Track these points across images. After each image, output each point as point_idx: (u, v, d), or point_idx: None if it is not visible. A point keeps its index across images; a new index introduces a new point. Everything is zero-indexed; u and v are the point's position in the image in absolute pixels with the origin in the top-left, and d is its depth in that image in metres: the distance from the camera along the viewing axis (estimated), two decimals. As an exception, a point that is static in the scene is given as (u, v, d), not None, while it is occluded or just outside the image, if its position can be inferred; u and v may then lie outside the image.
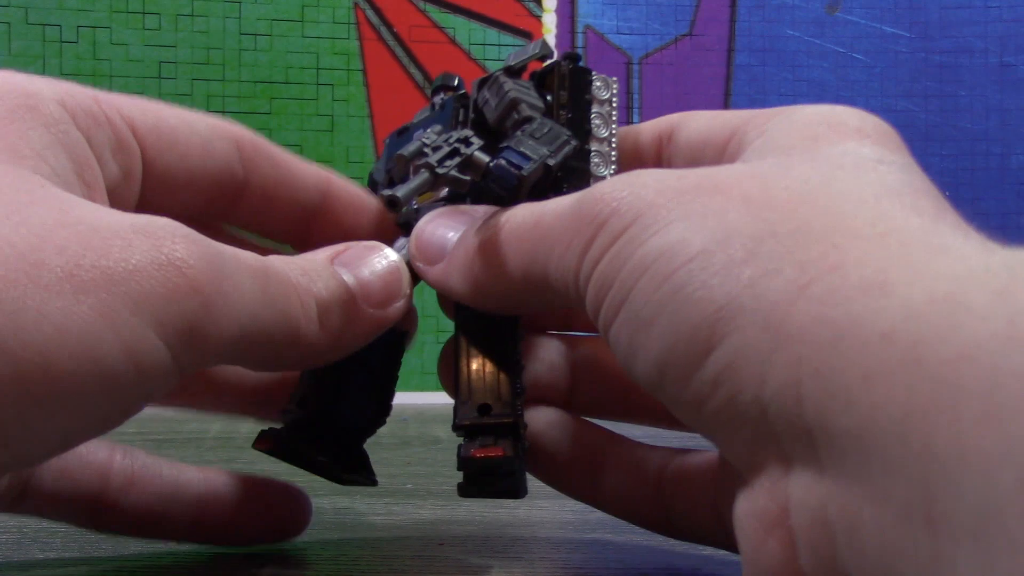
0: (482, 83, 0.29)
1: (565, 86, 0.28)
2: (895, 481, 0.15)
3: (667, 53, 0.96)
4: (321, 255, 0.26)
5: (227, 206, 0.28)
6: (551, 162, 0.26)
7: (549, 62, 0.29)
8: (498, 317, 0.27)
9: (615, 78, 0.29)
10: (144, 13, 0.88)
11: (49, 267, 0.19)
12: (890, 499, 0.15)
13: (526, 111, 0.27)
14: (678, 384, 0.20)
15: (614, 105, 0.29)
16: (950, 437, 0.14)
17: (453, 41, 0.90)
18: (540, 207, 0.24)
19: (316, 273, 0.25)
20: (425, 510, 0.36)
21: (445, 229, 0.27)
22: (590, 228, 0.22)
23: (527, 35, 0.94)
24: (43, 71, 0.87)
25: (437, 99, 0.31)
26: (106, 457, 0.29)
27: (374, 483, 0.30)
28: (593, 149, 0.28)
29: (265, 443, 0.28)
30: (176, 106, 0.27)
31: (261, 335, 0.23)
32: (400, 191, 0.23)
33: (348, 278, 0.25)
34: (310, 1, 0.91)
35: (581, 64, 0.29)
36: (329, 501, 0.37)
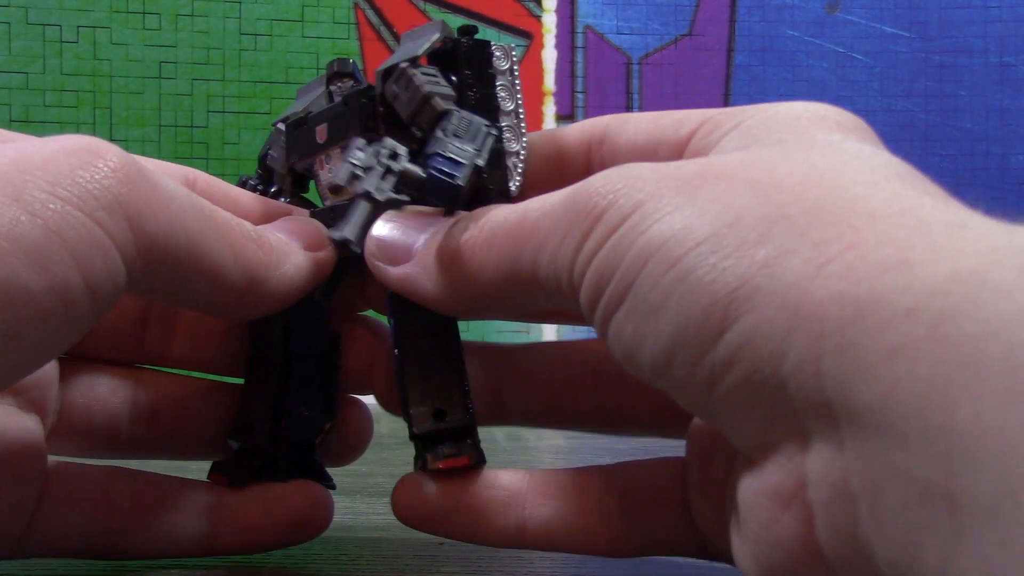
0: (386, 74, 0.28)
1: (469, 64, 0.28)
2: (915, 456, 0.15)
3: (667, 53, 0.96)
4: (267, 226, 0.27)
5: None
6: (480, 162, 0.25)
7: (448, 41, 0.28)
8: (438, 318, 0.27)
9: (512, 45, 0.29)
10: (144, 13, 0.88)
11: None
12: (910, 473, 0.15)
13: (441, 105, 0.26)
14: (688, 367, 0.19)
15: (516, 74, 0.28)
16: (971, 414, 0.14)
17: (453, 41, 0.90)
18: (522, 206, 0.24)
19: (241, 219, 0.26)
20: (425, 510, 0.36)
21: (410, 230, 0.26)
22: (586, 221, 0.22)
23: (527, 35, 0.94)
24: (43, 71, 0.87)
25: (334, 87, 0.30)
26: (107, 483, 0.28)
27: (332, 487, 0.30)
28: (503, 124, 0.28)
29: (220, 477, 0.28)
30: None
31: (200, 242, 0.23)
32: (348, 231, 0.23)
33: (283, 235, 0.27)
34: (310, 1, 0.91)
35: (478, 37, 0.28)
36: (329, 501, 0.37)
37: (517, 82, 0.28)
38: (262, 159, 0.32)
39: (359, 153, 0.25)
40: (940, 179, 0.21)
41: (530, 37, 0.95)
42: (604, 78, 0.94)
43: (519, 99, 0.28)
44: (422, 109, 0.27)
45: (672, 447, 0.28)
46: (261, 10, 0.90)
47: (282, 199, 0.31)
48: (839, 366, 0.17)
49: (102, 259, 0.20)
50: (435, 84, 0.27)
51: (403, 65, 0.27)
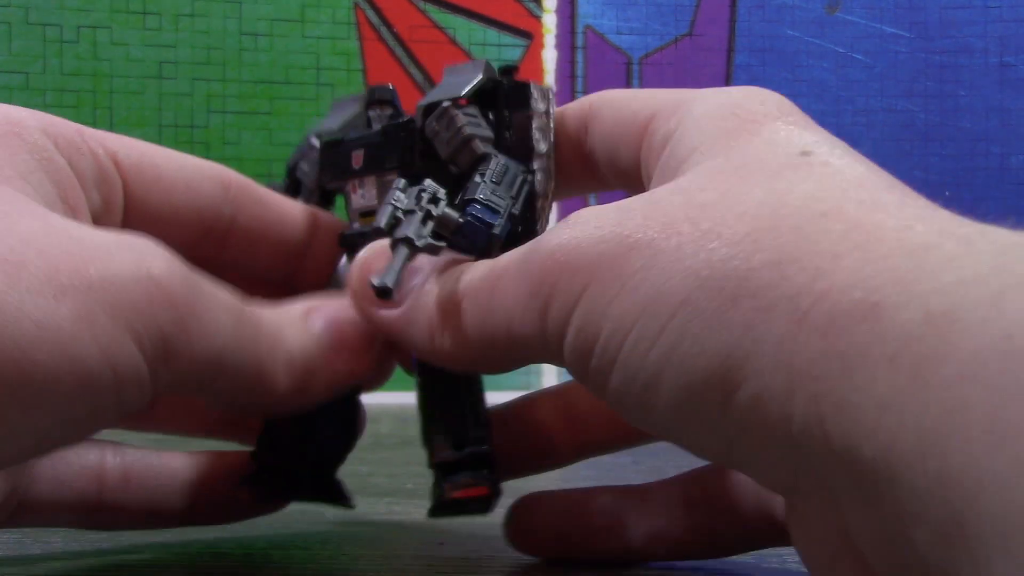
0: (428, 111, 0.28)
1: (508, 105, 0.28)
2: (926, 502, 0.15)
3: (667, 53, 0.96)
4: (296, 308, 0.26)
5: (213, 246, 0.28)
6: (516, 211, 0.26)
7: (490, 81, 0.28)
8: None
9: (550, 86, 0.29)
10: (144, 13, 0.88)
11: (30, 270, 0.19)
12: (926, 521, 0.15)
13: (480, 148, 0.27)
14: (701, 434, 0.19)
15: (551, 116, 0.28)
16: (963, 460, 0.14)
17: (453, 41, 0.90)
18: (494, 264, 0.24)
19: (289, 324, 0.25)
20: (425, 510, 0.36)
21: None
22: (543, 288, 0.21)
23: (527, 35, 0.94)
24: (43, 71, 0.87)
25: (373, 113, 0.31)
26: (97, 458, 0.29)
27: (351, 507, 0.30)
28: (535, 167, 0.28)
29: (245, 492, 0.29)
30: (164, 147, 0.27)
31: (230, 368, 0.23)
32: (389, 279, 0.23)
33: (319, 326, 0.26)
34: (310, 1, 0.91)
35: (516, 77, 0.29)
36: (329, 501, 0.37)
37: (551, 124, 0.28)
38: (291, 170, 0.32)
39: (400, 195, 0.25)
40: (940, 179, 0.21)
41: (530, 37, 0.95)
42: (604, 78, 0.94)
43: (551, 140, 0.28)
44: (462, 150, 0.27)
45: None
46: (261, 10, 0.90)
47: None
48: (840, 424, 0.17)
49: (137, 387, 0.21)
50: (476, 126, 0.27)
51: (446, 104, 0.27)
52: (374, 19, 0.92)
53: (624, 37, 0.95)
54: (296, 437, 0.29)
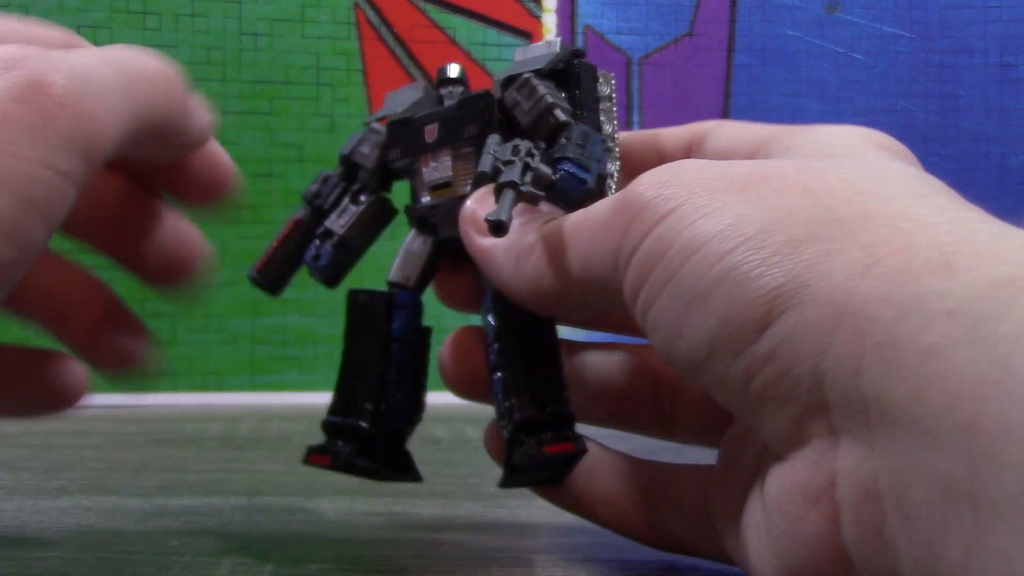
0: (507, 83, 0.29)
1: (580, 85, 0.29)
2: (941, 454, 0.16)
3: (667, 53, 0.96)
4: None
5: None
6: (604, 172, 0.27)
7: (562, 60, 0.29)
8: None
9: (613, 73, 0.30)
10: (144, 13, 0.88)
11: None
12: (936, 472, 0.16)
13: (562, 116, 0.28)
14: (728, 359, 0.20)
15: (614, 100, 0.29)
16: (997, 411, 0.15)
17: (453, 41, 0.90)
18: (587, 210, 0.25)
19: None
20: (425, 510, 0.36)
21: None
22: (627, 213, 0.22)
23: (527, 35, 0.94)
24: (43, 71, 0.87)
25: (444, 91, 0.32)
26: None
27: (419, 479, 0.30)
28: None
29: (322, 459, 0.29)
30: None
31: (142, 120, 0.23)
32: (503, 214, 0.24)
33: None
34: (310, 1, 0.91)
35: (586, 60, 0.29)
36: (329, 501, 0.37)
37: (615, 108, 0.29)
38: (345, 157, 0.33)
39: (498, 148, 0.26)
40: (940, 179, 0.21)
41: (530, 37, 0.95)
42: (604, 78, 0.94)
43: (615, 124, 0.29)
44: (544, 118, 0.28)
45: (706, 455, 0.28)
46: (261, 10, 0.90)
47: (362, 197, 0.32)
48: (878, 363, 0.17)
49: (62, 200, 0.21)
50: (557, 97, 0.28)
51: (527, 75, 0.28)
52: (374, 19, 0.92)
53: (624, 37, 0.95)
54: (373, 396, 0.29)
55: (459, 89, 0.32)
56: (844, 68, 0.95)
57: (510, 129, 0.28)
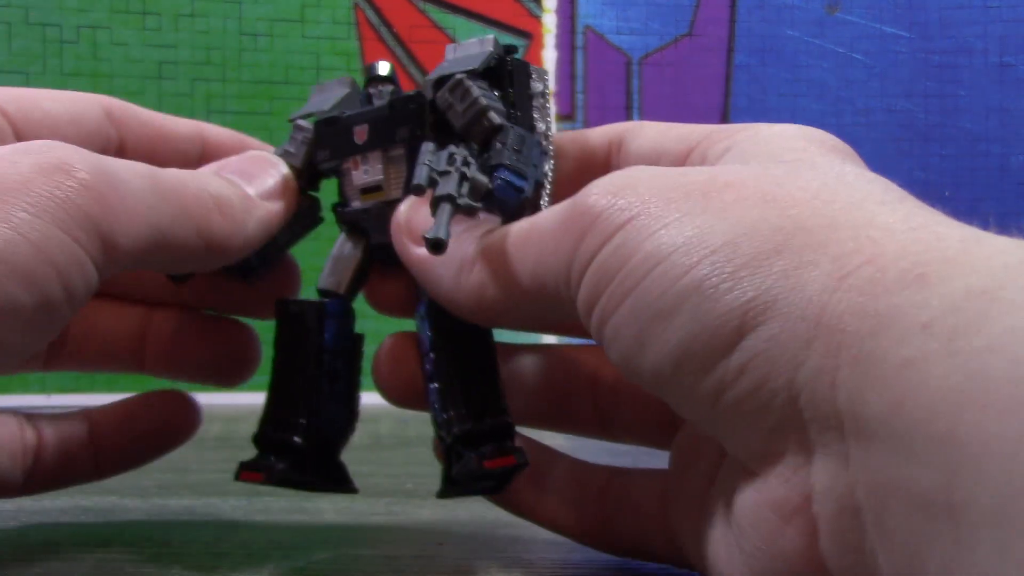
0: (439, 84, 0.28)
1: (512, 83, 0.28)
2: (919, 467, 0.15)
3: (667, 53, 0.96)
4: (205, 168, 0.28)
5: None
6: (540, 178, 0.26)
7: (496, 57, 0.29)
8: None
9: (546, 69, 0.29)
10: (144, 13, 0.88)
11: None
12: (914, 485, 0.15)
13: (497, 120, 0.27)
14: (697, 374, 0.19)
15: (548, 97, 0.29)
16: (974, 423, 0.15)
17: (453, 41, 0.90)
18: (533, 217, 0.24)
19: (204, 176, 0.27)
20: (425, 510, 0.36)
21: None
22: (580, 224, 0.22)
23: (527, 35, 0.94)
24: (43, 71, 0.87)
25: (374, 90, 0.31)
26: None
27: (355, 491, 0.30)
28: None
29: (254, 475, 0.28)
30: (45, 89, 0.29)
31: (166, 231, 0.24)
32: (441, 232, 0.24)
33: (235, 178, 0.27)
34: (310, 1, 0.91)
35: (518, 56, 0.29)
36: (329, 501, 0.37)
37: (548, 105, 0.29)
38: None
39: (432, 158, 0.26)
40: (940, 179, 0.21)
41: (530, 37, 0.95)
42: (604, 78, 0.94)
43: (550, 121, 0.28)
44: (478, 121, 0.27)
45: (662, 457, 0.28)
46: (261, 10, 0.90)
47: None
48: (854, 377, 0.17)
49: (79, 271, 0.22)
50: (490, 98, 0.27)
51: (460, 76, 0.28)
52: (374, 19, 0.92)
53: (624, 37, 0.95)
54: (305, 410, 0.28)
55: (389, 88, 0.31)
56: (844, 68, 0.95)
57: (443, 131, 0.28)
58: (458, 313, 0.26)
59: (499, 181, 0.25)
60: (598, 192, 0.22)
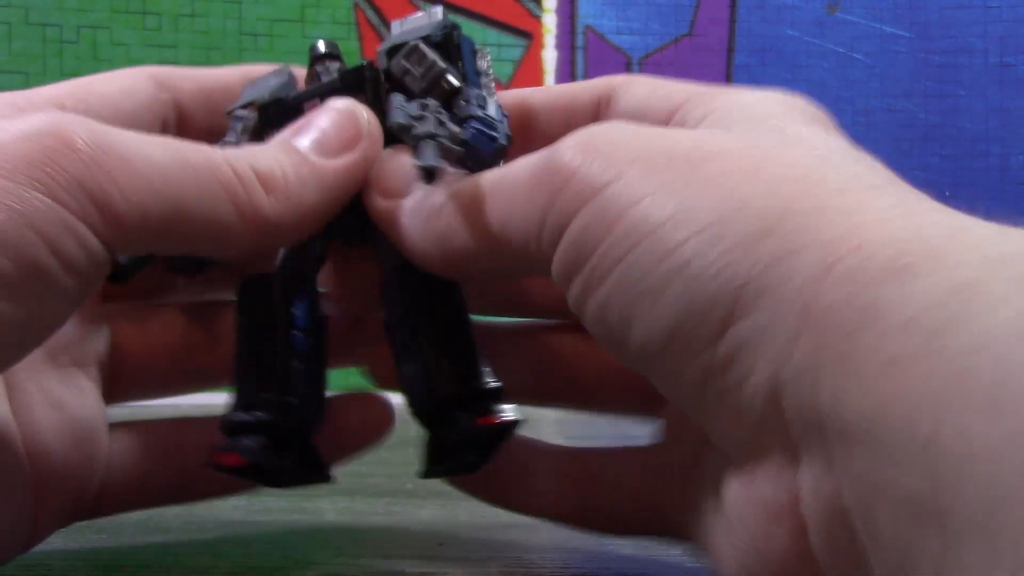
0: (392, 52, 0.28)
1: (462, 56, 0.28)
2: (904, 471, 0.15)
3: (667, 53, 0.96)
4: (280, 135, 0.26)
5: (181, 132, 0.29)
6: (509, 131, 0.26)
7: (445, 28, 0.28)
8: (444, 290, 0.26)
9: (488, 50, 0.29)
10: (144, 13, 0.88)
11: None
12: (900, 490, 0.15)
13: (455, 81, 0.27)
14: (683, 359, 0.19)
15: (491, 76, 0.28)
16: (957, 427, 0.14)
17: (453, 41, 0.90)
18: (508, 166, 0.23)
19: (259, 150, 0.25)
20: (425, 510, 0.36)
21: (410, 170, 0.25)
22: (552, 181, 0.21)
23: (527, 35, 0.94)
24: (43, 71, 0.87)
25: (321, 68, 0.30)
26: (172, 433, 0.29)
27: (328, 480, 0.28)
28: None
29: (230, 457, 0.26)
30: (93, 76, 0.28)
31: (190, 206, 0.22)
32: (432, 160, 0.23)
33: (302, 143, 0.25)
34: (310, 1, 0.91)
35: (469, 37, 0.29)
36: (329, 501, 0.37)
37: (492, 85, 0.28)
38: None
39: (406, 106, 0.25)
40: (940, 179, 0.21)
41: (530, 37, 0.95)
42: (604, 78, 0.94)
43: (495, 100, 0.28)
44: (437, 84, 0.27)
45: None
46: (261, 10, 0.90)
47: None
48: (836, 375, 0.16)
49: (72, 236, 0.21)
50: (446, 62, 0.27)
51: (415, 42, 0.27)
52: (374, 19, 0.92)
53: (624, 37, 0.95)
54: (279, 389, 0.26)
55: (335, 64, 0.30)
56: (844, 68, 0.95)
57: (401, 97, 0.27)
58: (425, 263, 0.25)
59: (472, 131, 0.25)
60: (573, 147, 0.21)
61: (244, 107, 0.29)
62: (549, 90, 0.29)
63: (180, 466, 0.28)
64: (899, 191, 0.19)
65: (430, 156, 0.23)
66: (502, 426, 0.25)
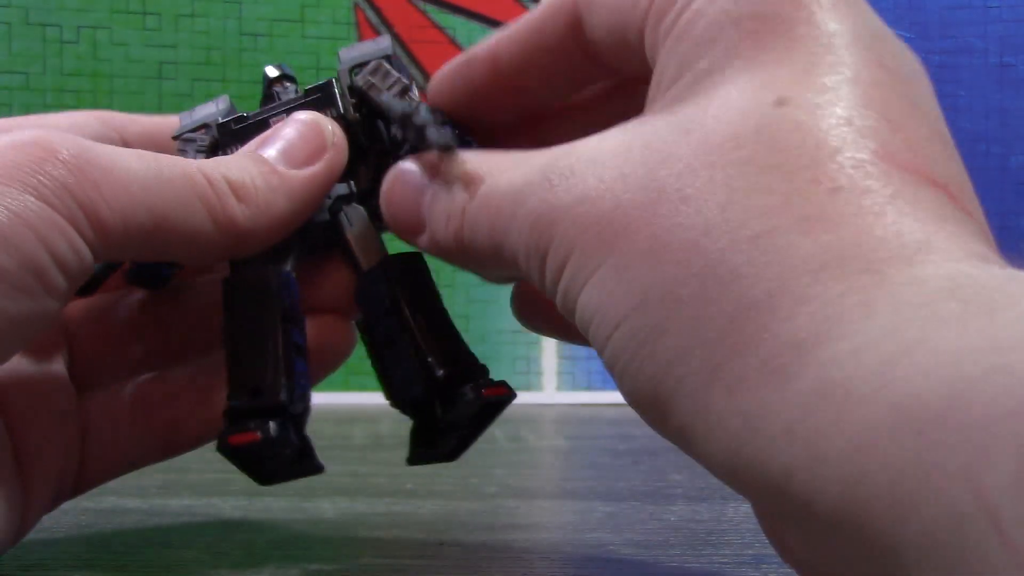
0: (356, 68, 0.29)
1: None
2: (848, 540, 0.16)
3: (667, 53, 0.96)
4: (248, 145, 0.27)
5: None
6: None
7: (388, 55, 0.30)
8: (423, 285, 0.28)
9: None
10: (144, 13, 0.88)
11: None
12: (851, 546, 0.15)
13: (416, 95, 0.28)
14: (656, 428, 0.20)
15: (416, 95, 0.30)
16: (874, 531, 0.15)
17: (453, 41, 0.90)
18: (497, 181, 0.23)
19: (231, 159, 0.26)
20: (425, 510, 0.36)
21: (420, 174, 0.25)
22: (541, 238, 0.21)
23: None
24: (43, 71, 0.87)
25: (279, 88, 0.30)
26: (147, 393, 0.29)
27: (322, 469, 0.28)
28: None
29: (247, 436, 0.26)
30: (48, 113, 0.30)
31: (169, 215, 0.24)
32: (449, 139, 0.24)
33: (270, 153, 0.26)
34: (310, 1, 0.91)
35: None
36: (329, 501, 0.37)
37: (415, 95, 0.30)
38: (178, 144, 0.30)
39: (398, 99, 0.27)
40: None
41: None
42: (604, 78, 0.94)
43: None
44: (403, 97, 0.28)
45: None
46: (261, 10, 0.90)
47: None
48: (755, 473, 0.17)
49: (63, 238, 0.22)
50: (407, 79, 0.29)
51: (379, 60, 0.29)
52: (374, 19, 0.92)
53: (624, 37, 0.96)
54: (282, 374, 0.27)
55: (292, 85, 0.31)
56: (844, 68, 0.95)
57: (363, 113, 0.29)
58: (441, 254, 0.25)
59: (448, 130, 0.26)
60: (544, 201, 0.21)
61: (193, 131, 0.30)
62: (512, 36, 0.26)
63: (158, 423, 0.29)
64: (781, 237, 0.17)
65: (446, 135, 0.24)
66: (507, 396, 0.27)
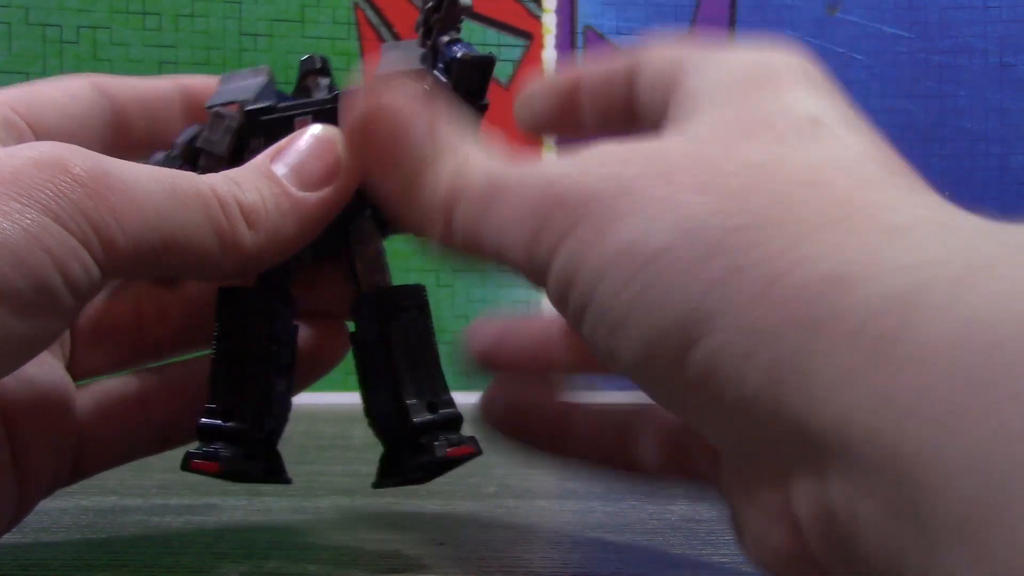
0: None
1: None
2: (877, 479, 0.15)
3: (667, 53, 0.96)
4: (260, 158, 0.27)
5: (123, 137, 0.31)
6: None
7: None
8: (416, 316, 0.28)
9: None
10: (144, 13, 0.88)
11: None
12: (877, 495, 0.15)
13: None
14: (659, 385, 0.20)
15: None
16: (915, 441, 0.14)
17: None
18: (491, 173, 0.23)
19: (243, 178, 0.26)
20: (425, 510, 0.36)
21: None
22: (534, 220, 0.21)
23: (527, 35, 0.94)
24: (43, 71, 0.87)
25: (311, 82, 0.31)
26: (141, 388, 0.30)
27: (289, 481, 0.29)
28: None
29: (207, 464, 0.27)
30: (44, 81, 0.30)
31: (179, 237, 0.24)
32: (475, 48, 0.26)
33: (281, 170, 0.26)
34: (310, 1, 0.91)
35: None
36: (329, 501, 0.37)
37: None
38: (187, 143, 0.31)
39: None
40: (940, 179, 0.21)
41: (530, 37, 0.95)
42: (604, 78, 0.94)
43: None
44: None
45: None
46: (261, 10, 0.90)
47: None
48: (794, 394, 0.17)
49: (76, 260, 0.22)
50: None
51: (420, 68, 0.30)
52: (374, 19, 0.92)
53: (624, 37, 0.95)
54: (258, 399, 0.28)
55: (326, 80, 0.31)
56: (844, 68, 0.95)
57: None
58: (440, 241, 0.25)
59: (462, 49, 0.28)
60: (548, 184, 0.21)
61: (225, 104, 0.30)
62: (594, 70, 0.28)
63: (155, 417, 0.30)
64: (851, 179, 0.19)
65: (472, 46, 0.26)
66: (472, 455, 0.27)
